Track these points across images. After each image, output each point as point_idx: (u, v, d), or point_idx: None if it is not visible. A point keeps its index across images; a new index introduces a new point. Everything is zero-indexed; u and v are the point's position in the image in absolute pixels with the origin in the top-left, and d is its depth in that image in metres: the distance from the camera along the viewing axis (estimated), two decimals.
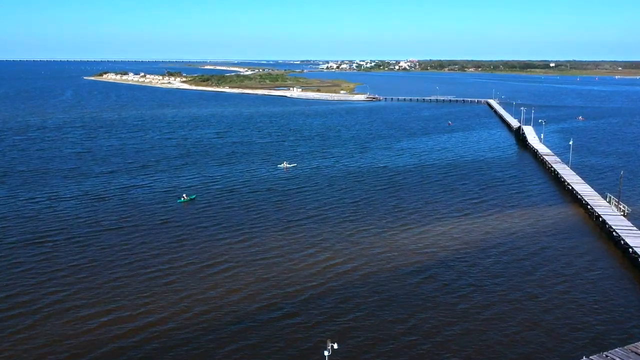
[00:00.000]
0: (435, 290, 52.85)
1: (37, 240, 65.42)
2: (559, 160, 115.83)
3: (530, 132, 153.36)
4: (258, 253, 62.27)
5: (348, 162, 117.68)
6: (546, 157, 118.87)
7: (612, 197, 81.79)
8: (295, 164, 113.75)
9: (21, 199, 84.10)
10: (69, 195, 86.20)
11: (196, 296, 51.08)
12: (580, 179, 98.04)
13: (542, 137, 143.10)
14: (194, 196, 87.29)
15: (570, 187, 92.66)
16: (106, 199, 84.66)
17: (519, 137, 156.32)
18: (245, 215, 76.65)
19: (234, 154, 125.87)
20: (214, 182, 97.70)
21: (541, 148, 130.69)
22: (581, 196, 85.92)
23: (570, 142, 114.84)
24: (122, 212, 77.37)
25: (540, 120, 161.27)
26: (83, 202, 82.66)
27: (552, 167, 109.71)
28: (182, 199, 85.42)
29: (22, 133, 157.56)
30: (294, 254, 62.26)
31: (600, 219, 74.38)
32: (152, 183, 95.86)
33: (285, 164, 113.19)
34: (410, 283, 54.50)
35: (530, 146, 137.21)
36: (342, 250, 63.31)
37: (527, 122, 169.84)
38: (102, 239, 66.24)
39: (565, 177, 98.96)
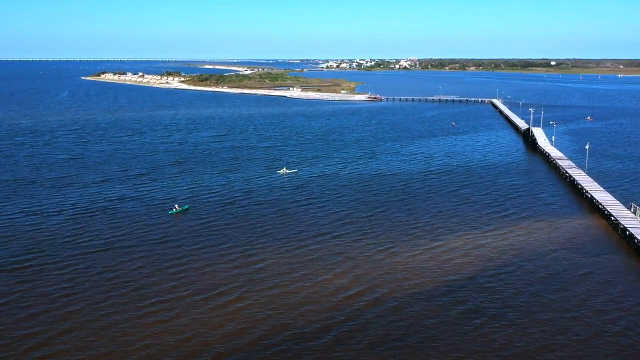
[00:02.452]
0: (475, 330, 46.03)
1: (14, 266, 58.80)
2: (573, 165, 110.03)
3: (540, 134, 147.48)
4: (263, 281, 55.45)
5: (355, 168, 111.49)
6: (559, 162, 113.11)
7: (637, 207, 75.97)
8: (296, 170, 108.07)
9: (1, 214, 77.89)
10: (54, 210, 79.70)
11: (199, 338, 44.29)
12: (598, 186, 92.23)
13: (553, 139, 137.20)
14: (186, 207, 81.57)
15: (589, 196, 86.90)
16: (94, 213, 78.33)
17: (528, 139, 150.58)
18: (245, 233, 70.30)
19: (233, 160, 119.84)
20: (211, 191, 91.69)
21: (553, 151, 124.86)
22: (603, 206, 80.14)
23: (587, 146, 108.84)
24: (111, 229, 71.12)
25: (551, 122, 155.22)
26: (69, 217, 76.24)
27: (566, 172, 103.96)
28: (174, 209, 79.68)
29: (11, 137, 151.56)
30: (305, 281, 55.42)
31: (628, 233, 68.63)
32: (145, 194, 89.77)
33: (284, 170, 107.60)
34: (445, 320, 47.74)
35: (540, 149, 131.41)
36: (361, 277, 56.42)
37: (535, 123, 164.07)
38: (88, 263, 59.73)
39: (582, 184, 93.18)
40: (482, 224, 74.31)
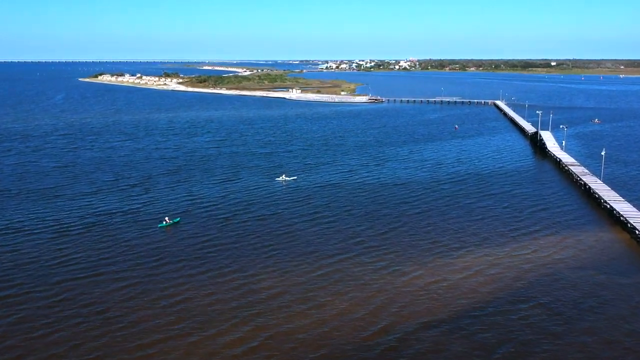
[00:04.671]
0: None
1: None
2: (587, 171, 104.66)
3: (549, 139, 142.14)
4: (271, 314, 49.65)
5: (362, 177, 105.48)
6: (572, 168, 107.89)
7: None
8: (295, 177, 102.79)
9: None
10: (36, 227, 73.17)
11: None
12: (617, 195, 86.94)
13: (563, 144, 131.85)
14: (177, 219, 76.32)
15: (609, 206, 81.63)
16: (81, 230, 72.28)
17: (536, 143, 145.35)
18: (246, 253, 64.41)
19: (231, 167, 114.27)
20: (207, 202, 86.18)
21: (564, 157, 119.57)
22: (625, 218, 74.91)
23: (603, 153, 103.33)
24: (99, 249, 65.05)
25: (561, 126, 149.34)
26: (53, 235, 69.80)
27: (581, 180, 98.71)
28: (164, 222, 74.41)
29: None
30: (319, 314, 49.36)
31: None
32: (136, 206, 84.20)
33: (283, 177, 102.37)
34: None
35: (551, 154, 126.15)
36: (382, 308, 50.63)
37: (542, 126, 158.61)
38: (75, 293, 53.38)
39: (600, 193, 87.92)
40: (502, 243, 68.73)
